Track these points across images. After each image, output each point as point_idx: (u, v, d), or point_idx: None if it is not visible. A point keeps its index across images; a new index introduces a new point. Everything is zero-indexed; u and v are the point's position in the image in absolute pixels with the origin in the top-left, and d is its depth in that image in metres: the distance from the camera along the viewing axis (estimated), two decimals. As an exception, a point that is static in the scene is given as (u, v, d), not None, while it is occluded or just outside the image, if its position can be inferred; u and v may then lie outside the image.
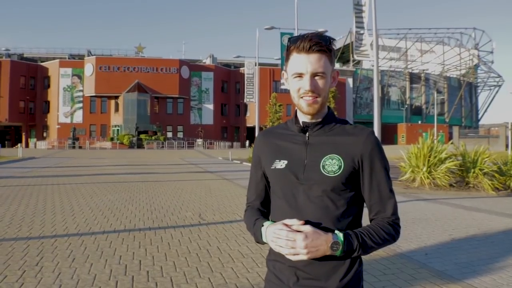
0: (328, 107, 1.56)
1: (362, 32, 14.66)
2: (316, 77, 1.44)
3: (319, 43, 1.42)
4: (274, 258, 1.56)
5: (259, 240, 1.55)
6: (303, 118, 1.53)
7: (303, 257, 1.37)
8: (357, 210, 1.52)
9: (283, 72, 1.58)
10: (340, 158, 1.45)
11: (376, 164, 1.48)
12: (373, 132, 1.51)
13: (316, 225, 1.42)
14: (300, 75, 1.45)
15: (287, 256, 1.41)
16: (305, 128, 1.53)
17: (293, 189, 1.49)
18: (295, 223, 1.41)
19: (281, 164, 1.53)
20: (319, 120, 1.52)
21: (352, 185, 1.48)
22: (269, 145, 1.60)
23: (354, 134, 1.50)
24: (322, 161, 1.46)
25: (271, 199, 1.61)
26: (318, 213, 1.45)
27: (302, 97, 1.46)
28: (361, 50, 14.76)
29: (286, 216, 1.46)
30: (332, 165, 1.45)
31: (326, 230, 1.42)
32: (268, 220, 1.56)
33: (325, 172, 1.45)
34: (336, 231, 1.41)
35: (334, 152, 1.47)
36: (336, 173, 1.44)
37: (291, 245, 1.37)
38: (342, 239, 1.39)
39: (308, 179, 1.47)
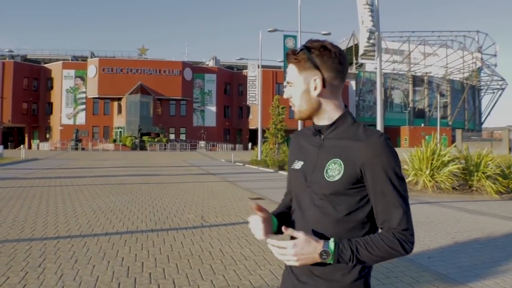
0: (346, 110, 1.54)
1: (374, 31, 14.49)
2: (290, 86, 1.55)
3: (288, 55, 1.52)
4: None
5: None
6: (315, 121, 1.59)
7: (295, 263, 1.41)
8: (363, 217, 1.47)
9: None
10: (342, 164, 1.44)
11: (378, 171, 1.41)
12: (379, 137, 1.43)
13: (317, 228, 1.45)
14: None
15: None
16: (319, 131, 1.55)
17: (301, 191, 1.54)
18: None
19: (298, 164, 1.58)
20: (329, 123, 1.52)
21: (355, 191, 1.45)
22: (296, 145, 1.66)
23: (360, 139, 1.44)
24: (327, 165, 1.46)
25: None
26: (318, 217, 1.47)
27: None
28: (369, 50, 14.59)
29: (295, 217, 1.55)
30: (333, 169, 1.44)
31: (325, 235, 1.44)
32: (281, 214, 1.67)
33: (327, 176, 1.45)
34: (331, 239, 1.40)
35: (338, 156, 1.45)
36: (336, 178, 1.43)
37: (282, 253, 1.41)
38: (332, 248, 1.38)
39: (313, 182, 1.49)
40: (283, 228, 1.46)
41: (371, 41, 14.56)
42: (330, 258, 1.38)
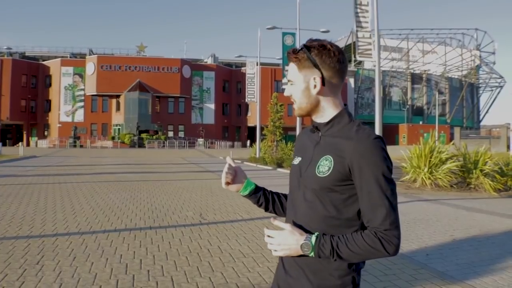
0: (344, 108, 1.56)
1: (365, 31, 14.54)
2: (291, 84, 1.58)
3: (289, 54, 1.55)
4: None
5: None
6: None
7: (279, 253, 1.49)
8: (351, 215, 1.48)
9: None
10: (332, 160, 1.46)
11: (365, 170, 1.41)
12: (368, 137, 1.43)
13: (305, 223, 1.50)
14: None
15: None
16: (316, 128, 1.58)
17: (295, 185, 1.59)
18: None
19: (297, 160, 1.63)
20: (326, 121, 1.55)
21: (343, 188, 1.46)
22: (299, 142, 1.71)
23: (350, 138, 1.45)
24: (319, 161, 1.49)
25: None
26: (307, 211, 1.52)
27: None
28: (364, 50, 14.64)
29: (288, 210, 1.63)
30: (324, 166, 1.47)
31: (312, 229, 1.48)
32: (269, 192, 1.82)
33: (317, 172, 1.48)
34: (315, 234, 1.45)
35: (329, 153, 1.48)
36: (325, 174, 1.46)
37: (268, 241, 1.51)
38: (313, 242, 1.43)
39: (306, 177, 1.53)
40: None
41: (370, 39, 14.57)
42: (310, 251, 1.43)
